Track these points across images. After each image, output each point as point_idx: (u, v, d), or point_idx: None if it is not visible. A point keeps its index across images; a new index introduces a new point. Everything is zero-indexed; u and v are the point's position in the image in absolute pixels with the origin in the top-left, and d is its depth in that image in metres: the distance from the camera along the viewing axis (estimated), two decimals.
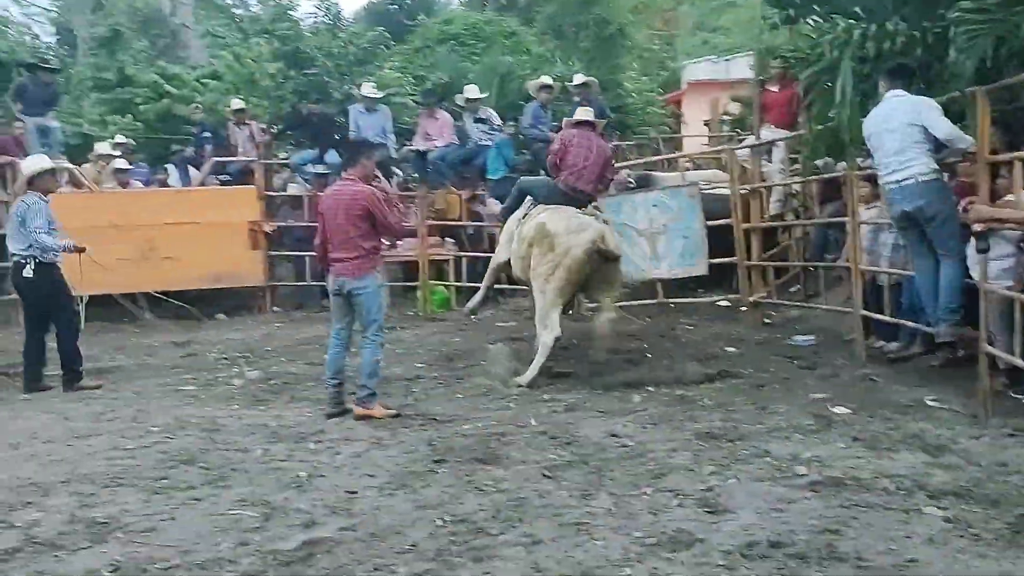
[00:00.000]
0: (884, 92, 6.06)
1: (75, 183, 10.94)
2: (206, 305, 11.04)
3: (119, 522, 4.04)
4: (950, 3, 5.64)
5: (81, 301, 7.73)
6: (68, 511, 4.19)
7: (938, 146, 5.82)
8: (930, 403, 5.69)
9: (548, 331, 6.79)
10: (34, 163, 7.51)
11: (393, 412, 5.93)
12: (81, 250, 7.56)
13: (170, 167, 12.27)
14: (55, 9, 26.54)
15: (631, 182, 10.25)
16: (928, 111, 5.77)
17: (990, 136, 5.62)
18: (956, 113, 5.96)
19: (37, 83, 11.63)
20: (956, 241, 5.83)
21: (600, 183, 7.73)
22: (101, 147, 11.74)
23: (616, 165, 9.12)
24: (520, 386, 6.63)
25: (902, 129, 5.81)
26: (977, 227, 5.26)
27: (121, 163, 11.20)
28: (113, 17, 15.85)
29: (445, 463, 4.87)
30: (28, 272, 7.10)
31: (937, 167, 5.84)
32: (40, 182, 7.28)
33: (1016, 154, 5.29)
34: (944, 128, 5.71)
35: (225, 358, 8.37)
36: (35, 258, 7.09)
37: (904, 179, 5.84)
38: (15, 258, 7.21)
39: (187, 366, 8.08)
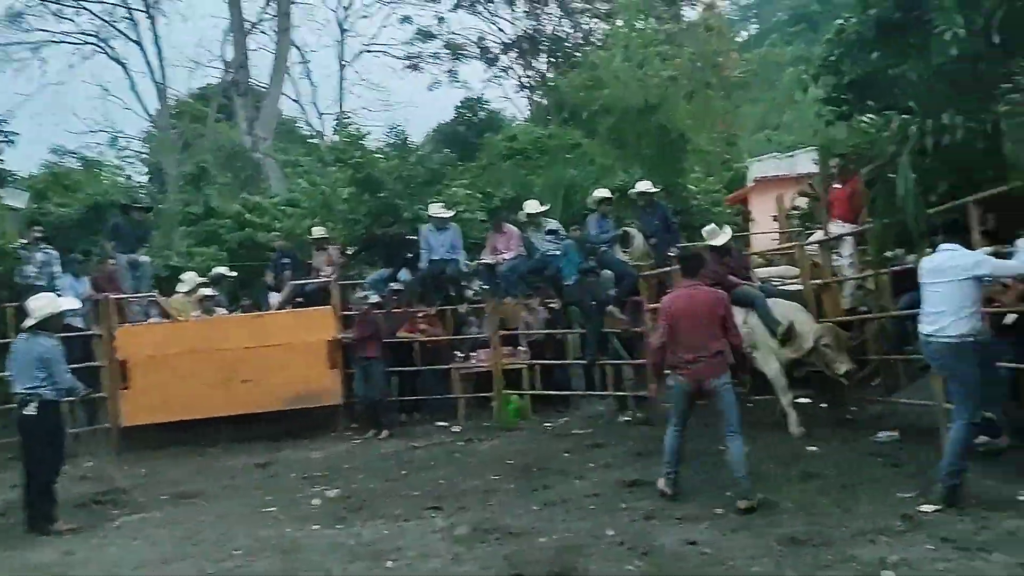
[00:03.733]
0: (939, 244, 6.05)
1: (163, 313, 11.55)
2: (287, 424, 11.30)
3: None
4: (1004, 95, 5.68)
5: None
6: None
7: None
8: (1022, 499, 5.43)
9: None
10: (48, 304, 7.37)
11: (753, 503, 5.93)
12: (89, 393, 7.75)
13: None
14: (146, 152, 28.59)
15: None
16: (981, 263, 5.76)
17: None
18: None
19: (130, 222, 12.45)
20: (966, 407, 5.70)
21: None
22: (187, 277, 12.37)
23: None
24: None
25: (947, 284, 5.78)
26: None
27: (207, 291, 11.78)
28: (199, 155, 16.95)
29: None
30: (31, 410, 6.97)
31: (962, 332, 5.71)
32: (55, 322, 7.34)
33: None
34: (1004, 267, 5.97)
35: (305, 477, 8.51)
36: (40, 396, 6.98)
37: (929, 334, 5.86)
38: (20, 396, 7.08)
39: (268, 487, 8.25)
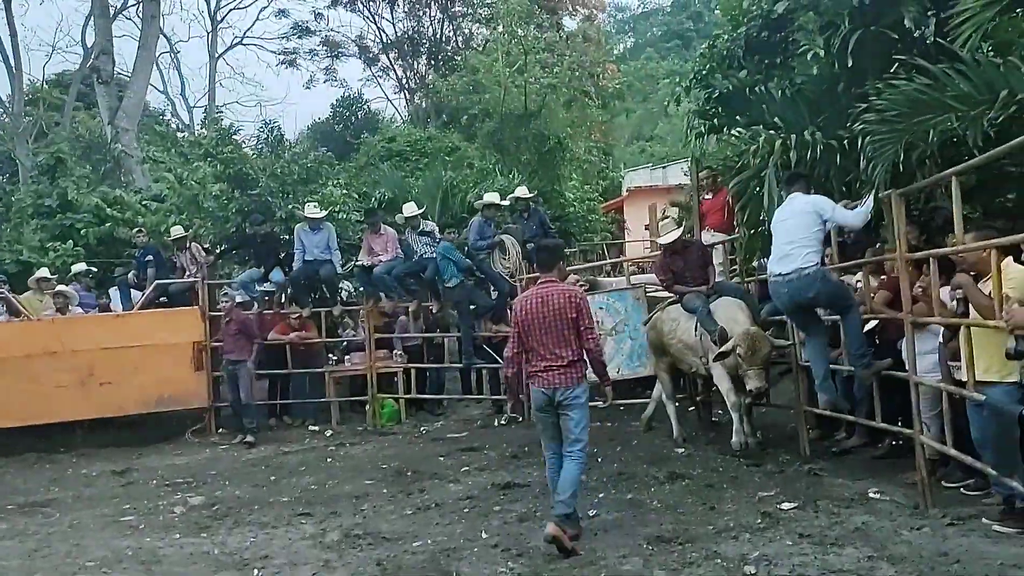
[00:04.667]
0: (786, 194, 6.56)
1: (12, 311, 10.77)
2: (147, 429, 10.77)
3: None
4: (859, 115, 6.03)
5: None
6: None
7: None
8: (872, 495, 5.79)
9: None
10: None
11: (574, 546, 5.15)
12: None
13: (112, 291, 12.16)
14: None
15: (581, 284, 10.42)
16: (825, 205, 6.24)
17: (908, 235, 5.97)
18: (876, 213, 6.34)
19: None
20: (847, 299, 6.35)
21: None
22: (40, 273, 11.61)
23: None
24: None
25: (795, 224, 6.26)
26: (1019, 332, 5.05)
27: (62, 288, 11.07)
28: (55, 145, 15.89)
29: None
30: None
31: (818, 260, 6.27)
32: None
33: (933, 251, 5.58)
34: (850, 217, 6.21)
35: (167, 484, 8.12)
36: None
37: (788, 272, 6.24)
38: None
39: (127, 495, 7.81)
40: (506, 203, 11.68)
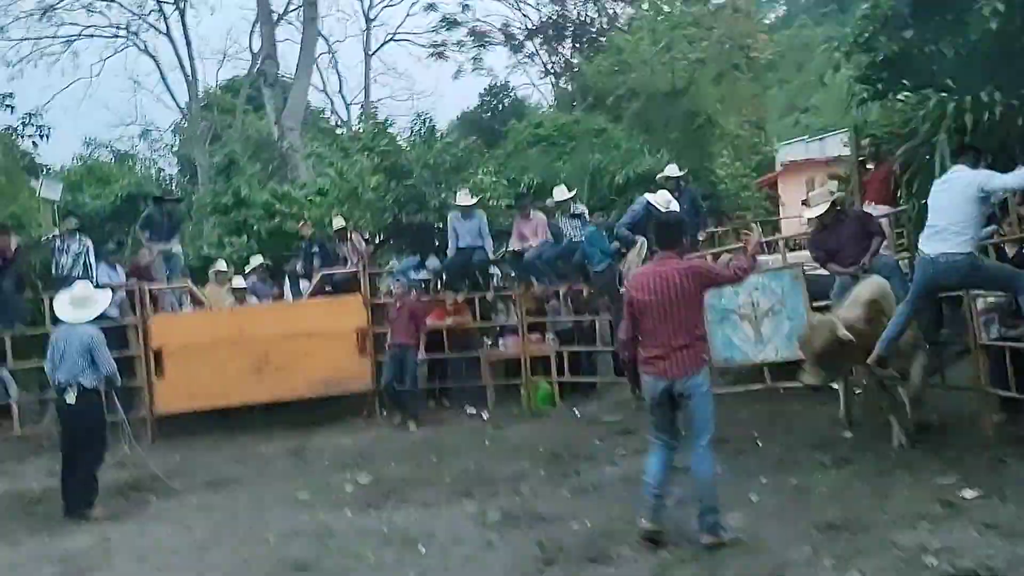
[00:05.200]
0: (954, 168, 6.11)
1: (196, 302, 11.66)
2: (317, 411, 11.38)
3: None
4: None
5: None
6: None
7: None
8: None
9: None
10: (81, 296, 7.56)
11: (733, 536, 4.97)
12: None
13: (284, 283, 12.89)
14: (177, 143, 28.87)
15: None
16: (986, 178, 5.77)
17: None
18: None
19: (162, 212, 12.57)
20: (1012, 280, 5.94)
21: None
22: (218, 266, 12.48)
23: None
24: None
25: (952, 202, 5.80)
26: None
27: (239, 281, 11.87)
28: (228, 146, 17.04)
29: (555, 564, 4.82)
30: (71, 397, 7.09)
31: (973, 248, 5.78)
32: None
33: None
34: (1010, 180, 5.75)
35: (337, 464, 8.56)
36: (80, 384, 7.09)
37: (937, 255, 5.82)
38: (60, 384, 7.19)
39: (301, 473, 8.30)
40: (681, 173, 11.41)
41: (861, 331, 6.30)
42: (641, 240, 10.26)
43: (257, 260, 12.98)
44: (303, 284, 12.46)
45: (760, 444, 7.40)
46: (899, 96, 8.21)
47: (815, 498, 5.65)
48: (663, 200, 10.27)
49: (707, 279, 5.09)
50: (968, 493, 5.33)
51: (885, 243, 9.25)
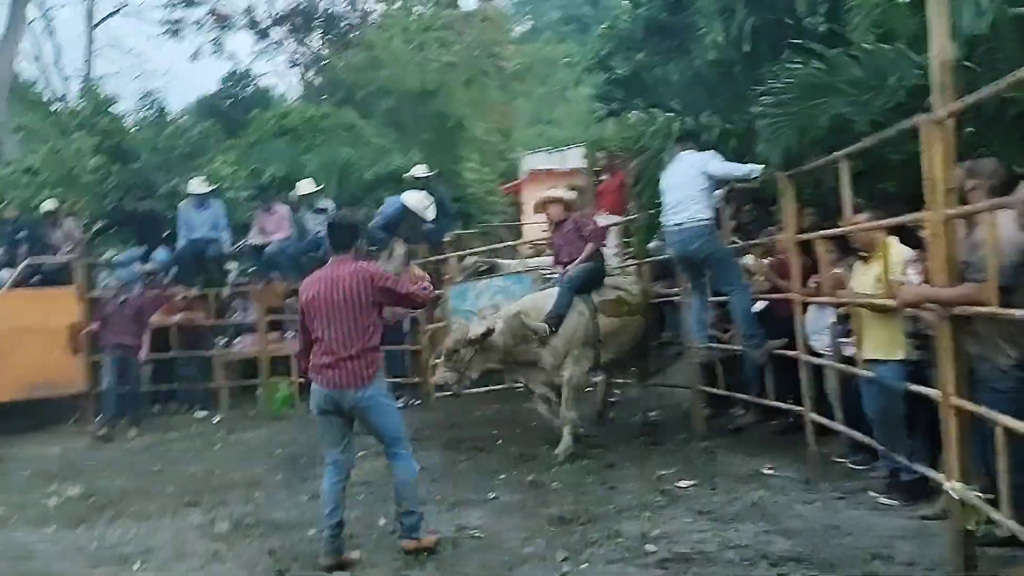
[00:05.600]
0: (676, 153, 6.75)
1: None
2: (20, 417, 10.09)
3: None
4: (755, 99, 6.13)
5: None
6: None
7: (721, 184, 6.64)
8: (767, 471, 5.93)
9: None
10: None
11: (437, 537, 4.85)
12: None
13: None
14: None
15: (480, 266, 10.30)
16: (711, 160, 6.45)
17: (801, 217, 6.15)
18: (770, 196, 6.49)
19: None
20: (735, 276, 6.57)
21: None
22: None
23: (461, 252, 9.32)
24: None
25: (685, 178, 6.51)
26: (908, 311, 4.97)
27: None
28: None
29: (288, 573, 4.58)
30: None
31: (709, 215, 6.50)
32: None
33: (821, 232, 5.73)
34: (726, 168, 6.41)
35: (41, 475, 7.61)
36: None
37: (679, 223, 6.51)
38: None
39: None
40: (430, 174, 11.31)
41: (493, 343, 6.79)
42: (397, 242, 10.09)
43: None
44: (5, 273, 10.99)
45: (500, 442, 7.57)
46: (631, 114, 8.78)
47: (550, 493, 5.84)
48: (420, 203, 10.11)
49: (381, 289, 4.75)
50: (684, 483, 5.77)
51: (615, 251, 9.89)
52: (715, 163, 6.42)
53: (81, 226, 11.31)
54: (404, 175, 11.60)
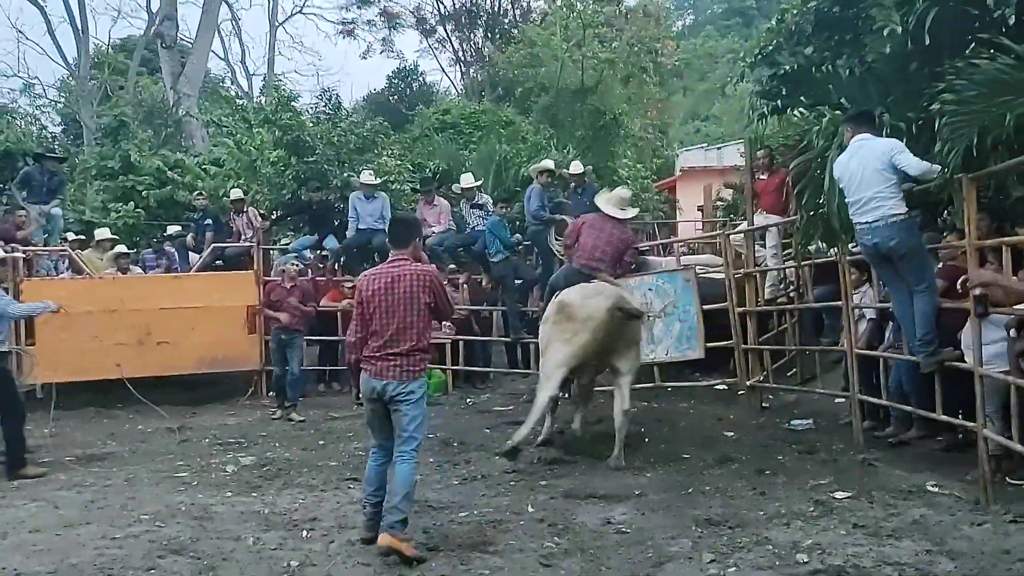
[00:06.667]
0: (850, 138, 6.24)
1: (75, 269, 11.04)
2: (201, 389, 10.99)
3: None
4: (934, 96, 5.81)
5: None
6: None
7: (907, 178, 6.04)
8: (931, 488, 5.64)
9: (545, 390, 6.76)
10: None
11: (419, 554, 4.78)
12: (57, 310, 7.90)
13: (170, 251, 12.35)
14: (62, 101, 27.30)
15: (630, 263, 10.28)
16: (897, 152, 5.93)
17: (978, 222, 5.76)
18: (946, 200, 6.13)
19: (43, 172, 11.86)
20: (928, 274, 6.06)
21: (616, 265, 7.66)
22: (101, 233, 11.87)
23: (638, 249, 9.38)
24: (512, 445, 6.50)
25: (872, 171, 5.96)
26: (976, 291, 5.22)
27: (121, 248, 11.31)
28: (119, 108, 16.21)
29: (440, 551, 4.79)
30: None
31: (905, 208, 6.00)
32: None
33: (1003, 239, 5.38)
34: (914, 165, 5.85)
35: (219, 444, 8.28)
36: None
37: (875, 220, 6.00)
38: None
39: (180, 452, 7.98)
40: (563, 171, 11.49)
41: None
42: (563, 217, 10.28)
43: (174, 228, 12.60)
44: (192, 256, 11.99)
45: (648, 440, 7.56)
46: (796, 111, 8.50)
47: (697, 494, 5.80)
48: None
49: (434, 295, 4.97)
50: (839, 494, 5.58)
51: (774, 252, 9.63)
52: (904, 156, 5.90)
53: (259, 215, 12.17)
54: (561, 171, 11.70)
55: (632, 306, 7.06)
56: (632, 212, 8.02)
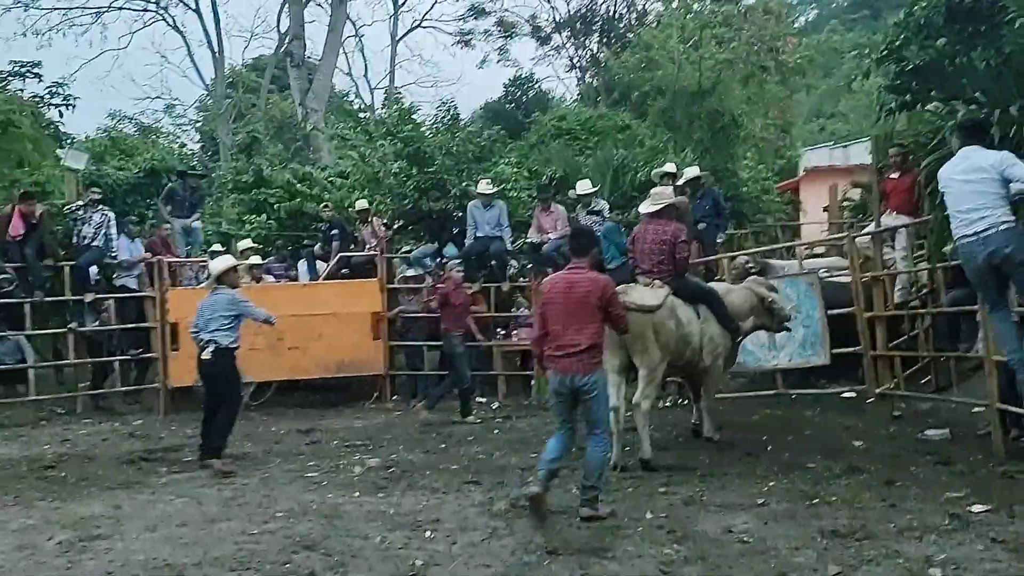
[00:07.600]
0: (957, 148, 5.98)
1: (253, 277, 11.71)
2: (330, 392, 11.46)
3: None
4: None
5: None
6: None
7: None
8: None
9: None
10: (222, 262, 8.26)
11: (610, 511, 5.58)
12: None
13: (300, 263, 12.95)
14: (201, 120, 29.02)
15: (751, 267, 10.08)
16: (1010, 164, 5.65)
17: None
18: None
19: (185, 188, 12.66)
20: None
21: (662, 264, 7.49)
22: (243, 244, 12.56)
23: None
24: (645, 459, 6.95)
25: (979, 182, 5.72)
26: None
27: (255, 259, 11.93)
28: (252, 125, 17.14)
29: (559, 555, 4.85)
30: (208, 355, 7.70)
31: (1013, 217, 5.72)
32: (227, 278, 8.04)
33: None
34: (1020, 171, 5.59)
35: (347, 446, 8.62)
36: (216, 343, 7.67)
37: (985, 229, 5.74)
38: (201, 343, 7.81)
39: (311, 453, 8.36)
40: (683, 173, 11.36)
41: None
42: None
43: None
44: (320, 266, 12.53)
45: (770, 448, 7.40)
46: (928, 106, 8.15)
47: (823, 505, 5.64)
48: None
49: (604, 303, 5.61)
50: (976, 507, 5.31)
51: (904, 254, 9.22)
52: (1018, 169, 5.63)
53: (383, 225, 12.59)
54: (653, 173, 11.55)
55: (644, 302, 7.03)
56: (664, 201, 7.68)
